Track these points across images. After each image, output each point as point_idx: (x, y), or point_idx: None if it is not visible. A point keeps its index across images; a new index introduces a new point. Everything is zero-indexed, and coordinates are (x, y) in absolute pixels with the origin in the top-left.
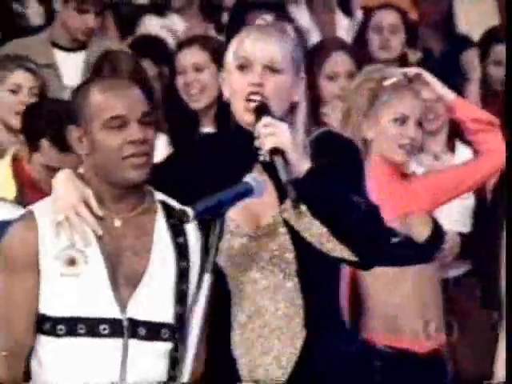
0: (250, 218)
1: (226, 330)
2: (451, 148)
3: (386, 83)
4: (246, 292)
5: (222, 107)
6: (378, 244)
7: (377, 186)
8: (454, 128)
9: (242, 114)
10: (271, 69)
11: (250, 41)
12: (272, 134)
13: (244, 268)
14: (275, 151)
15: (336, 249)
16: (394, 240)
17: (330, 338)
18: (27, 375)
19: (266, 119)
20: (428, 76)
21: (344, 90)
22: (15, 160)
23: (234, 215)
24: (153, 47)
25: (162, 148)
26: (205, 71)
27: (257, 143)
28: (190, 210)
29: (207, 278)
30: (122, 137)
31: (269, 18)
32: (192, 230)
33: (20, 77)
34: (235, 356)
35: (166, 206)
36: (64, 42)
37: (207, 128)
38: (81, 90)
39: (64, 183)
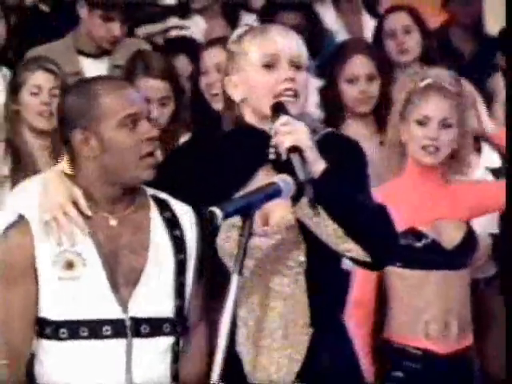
0: (260, 216)
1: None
2: (477, 149)
3: (420, 85)
4: (251, 290)
5: None
6: (390, 244)
7: (412, 187)
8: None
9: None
10: (296, 65)
11: (278, 37)
12: (290, 133)
13: (252, 265)
14: (293, 150)
15: (352, 249)
16: (420, 243)
17: (335, 338)
18: (31, 381)
19: (284, 117)
20: (479, 103)
21: (364, 93)
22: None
23: None
24: (186, 46)
25: None
26: None
27: (273, 141)
28: (219, 211)
29: (235, 280)
30: (137, 135)
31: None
32: (187, 222)
33: (40, 78)
34: (239, 354)
35: (157, 200)
36: (89, 49)
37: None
38: (77, 93)
39: (52, 183)
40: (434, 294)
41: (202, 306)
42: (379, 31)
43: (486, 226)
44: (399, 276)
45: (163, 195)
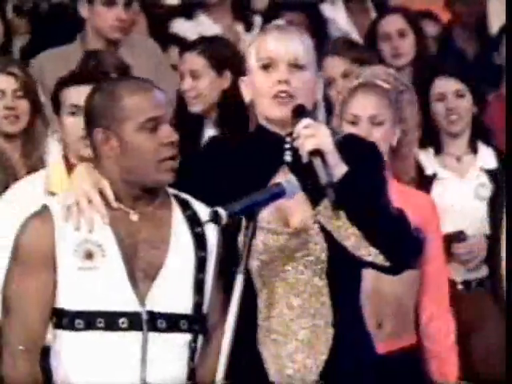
0: (281, 216)
1: (251, 329)
2: (473, 149)
3: (352, 84)
4: (273, 290)
5: (224, 111)
6: (409, 248)
7: None
8: (476, 129)
9: (270, 110)
10: (295, 66)
11: (272, 40)
12: (313, 136)
13: (274, 265)
14: (315, 153)
15: (370, 253)
16: None
17: (357, 337)
18: (46, 373)
19: (305, 120)
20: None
21: (341, 91)
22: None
23: (265, 213)
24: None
25: None
26: (201, 78)
27: (296, 144)
28: (223, 211)
29: (239, 279)
30: (157, 139)
31: (281, 22)
32: None
33: (2, 82)
34: (261, 353)
35: (179, 199)
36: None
37: (210, 131)
38: (102, 92)
39: (81, 173)
40: (367, 293)
41: (222, 307)
42: (372, 33)
43: (479, 227)
44: None
45: (185, 195)
